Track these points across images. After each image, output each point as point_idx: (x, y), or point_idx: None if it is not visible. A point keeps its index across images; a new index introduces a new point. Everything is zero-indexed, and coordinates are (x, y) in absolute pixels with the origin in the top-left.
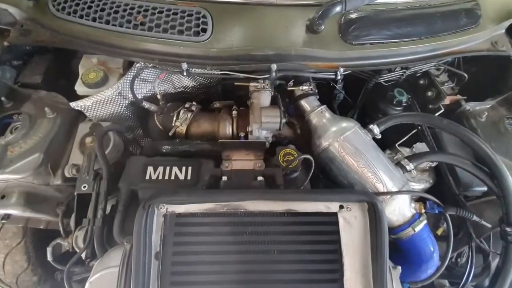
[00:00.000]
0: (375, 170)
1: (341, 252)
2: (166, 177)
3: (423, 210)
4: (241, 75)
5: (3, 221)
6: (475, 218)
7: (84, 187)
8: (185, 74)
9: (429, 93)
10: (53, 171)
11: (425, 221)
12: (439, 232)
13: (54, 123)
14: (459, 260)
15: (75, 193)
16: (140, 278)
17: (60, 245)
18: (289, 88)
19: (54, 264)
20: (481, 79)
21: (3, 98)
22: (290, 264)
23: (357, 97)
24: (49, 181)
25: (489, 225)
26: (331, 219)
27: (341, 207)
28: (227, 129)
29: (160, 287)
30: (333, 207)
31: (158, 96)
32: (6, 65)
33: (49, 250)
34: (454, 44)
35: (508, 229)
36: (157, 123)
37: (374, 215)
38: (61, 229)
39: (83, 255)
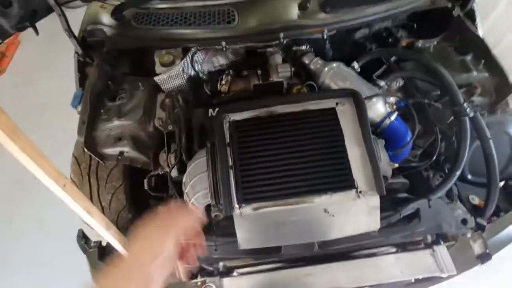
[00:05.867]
0: (359, 87)
1: (342, 131)
2: None
3: (394, 107)
4: (260, 44)
5: (119, 157)
6: (433, 103)
7: (170, 127)
8: (224, 49)
9: (390, 40)
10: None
11: (396, 113)
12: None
13: (144, 91)
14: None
15: (165, 132)
16: (223, 156)
17: (151, 179)
18: (293, 48)
19: (149, 191)
20: (430, 27)
21: (109, 82)
22: (310, 139)
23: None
24: (146, 127)
25: (439, 105)
26: (332, 112)
27: (336, 103)
28: (256, 82)
29: (233, 160)
30: (332, 104)
31: (201, 75)
32: (106, 63)
33: (145, 181)
34: (401, 5)
35: (455, 108)
36: (206, 89)
37: (358, 103)
38: (152, 166)
39: (174, 171)
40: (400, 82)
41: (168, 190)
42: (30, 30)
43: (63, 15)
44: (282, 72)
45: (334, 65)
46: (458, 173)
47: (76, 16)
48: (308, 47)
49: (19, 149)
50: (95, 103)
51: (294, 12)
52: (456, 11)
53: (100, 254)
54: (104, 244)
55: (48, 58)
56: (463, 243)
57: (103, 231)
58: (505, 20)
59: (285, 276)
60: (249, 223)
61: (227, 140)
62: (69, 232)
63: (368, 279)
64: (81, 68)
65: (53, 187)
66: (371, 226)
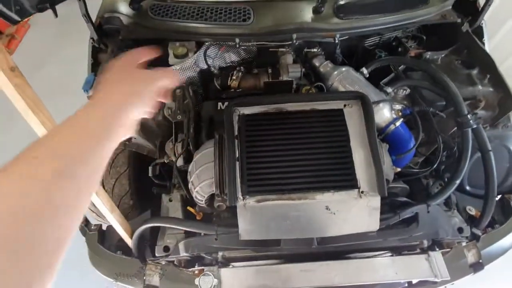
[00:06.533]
0: (367, 92)
1: (348, 132)
2: None
3: (400, 113)
4: (273, 43)
5: (127, 142)
6: (438, 112)
7: (179, 117)
8: (237, 46)
9: (399, 49)
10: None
11: (402, 120)
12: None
13: None
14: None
15: (173, 122)
16: (230, 148)
17: (156, 167)
18: (305, 50)
19: (153, 179)
20: (439, 40)
21: None
22: (316, 138)
23: (352, 59)
24: (155, 115)
25: (444, 115)
26: (340, 113)
27: (344, 105)
28: (266, 80)
29: (240, 152)
30: (340, 105)
31: (213, 69)
32: (120, 51)
33: (150, 168)
34: (412, 17)
35: (459, 119)
36: (216, 83)
37: (365, 107)
38: (157, 154)
39: (180, 160)
40: (407, 91)
41: (172, 179)
42: (39, 15)
43: (82, 0)
44: (292, 72)
45: (344, 69)
46: (458, 182)
47: (93, 4)
48: (319, 49)
49: (40, 122)
50: None
51: (308, 15)
52: (465, 27)
53: (100, 237)
54: (104, 228)
55: (57, 44)
56: (457, 251)
57: (107, 213)
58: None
59: (282, 269)
60: (252, 215)
61: (236, 132)
62: None
63: (364, 278)
64: (95, 54)
65: None
66: (370, 226)
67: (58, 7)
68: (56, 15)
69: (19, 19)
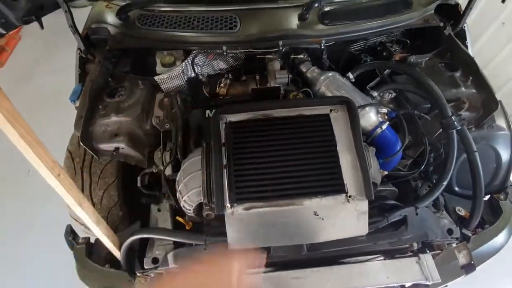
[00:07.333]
0: (353, 96)
1: (334, 137)
2: None
3: (386, 117)
4: (260, 50)
5: (114, 152)
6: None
7: (167, 125)
8: (225, 53)
9: (384, 54)
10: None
11: (388, 123)
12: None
13: (143, 90)
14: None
15: (161, 130)
16: (217, 156)
17: (145, 177)
18: (292, 56)
19: (142, 189)
20: (422, 44)
21: (109, 79)
22: (303, 143)
23: (338, 64)
24: (143, 125)
25: (429, 118)
26: (326, 118)
27: (330, 110)
28: (254, 86)
29: (227, 160)
30: (326, 110)
31: (201, 77)
32: (107, 61)
33: (139, 178)
34: (395, 22)
35: (444, 120)
36: (204, 91)
37: (351, 111)
38: (146, 163)
39: (169, 169)
40: (392, 94)
41: (161, 188)
42: (31, 26)
43: (69, 11)
44: (279, 78)
45: (330, 74)
46: (445, 183)
47: (80, 16)
48: (306, 55)
49: (19, 135)
50: (94, 99)
51: (294, 22)
52: (447, 30)
53: (88, 251)
54: (92, 241)
55: (47, 55)
56: (448, 252)
57: (92, 226)
58: (495, 42)
59: (273, 277)
60: (240, 223)
61: (223, 140)
62: (57, 229)
63: (355, 283)
64: (82, 65)
65: (48, 176)
66: (359, 231)
67: (46, 18)
68: (42, 27)
69: (5, 32)
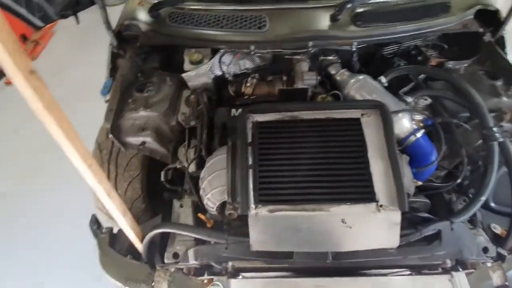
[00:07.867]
0: (385, 101)
1: (365, 142)
2: None
3: (421, 124)
4: (289, 51)
5: (141, 146)
6: (462, 124)
7: (192, 122)
8: (252, 53)
9: (419, 58)
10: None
11: (423, 131)
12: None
13: (171, 86)
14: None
15: (187, 127)
16: (243, 155)
17: (168, 172)
18: (321, 58)
19: (165, 184)
20: (461, 50)
21: (139, 74)
22: (332, 148)
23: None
24: (169, 120)
25: (468, 127)
26: (357, 122)
27: (362, 114)
28: (280, 87)
29: (253, 160)
30: (357, 114)
31: (227, 76)
32: (138, 57)
33: (162, 173)
34: (432, 26)
35: (485, 131)
36: (230, 90)
37: (384, 116)
38: (170, 159)
39: (193, 166)
40: (428, 100)
41: (183, 184)
42: (65, 22)
43: (104, 8)
44: (307, 80)
45: (361, 77)
46: (484, 198)
47: (113, 13)
48: (335, 57)
49: (57, 123)
50: (124, 93)
51: (324, 22)
52: (487, 37)
53: (111, 240)
54: (115, 231)
55: (79, 50)
56: (482, 272)
57: (119, 216)
58: None
59: (294, 283)
60: (264, 225)
61: (249, 139)
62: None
63: None
64: (114, 60)
65: (80, 165)
66: (389, 243)
67: (80, 15)
68: (78, 21)
69: (42, 25)
